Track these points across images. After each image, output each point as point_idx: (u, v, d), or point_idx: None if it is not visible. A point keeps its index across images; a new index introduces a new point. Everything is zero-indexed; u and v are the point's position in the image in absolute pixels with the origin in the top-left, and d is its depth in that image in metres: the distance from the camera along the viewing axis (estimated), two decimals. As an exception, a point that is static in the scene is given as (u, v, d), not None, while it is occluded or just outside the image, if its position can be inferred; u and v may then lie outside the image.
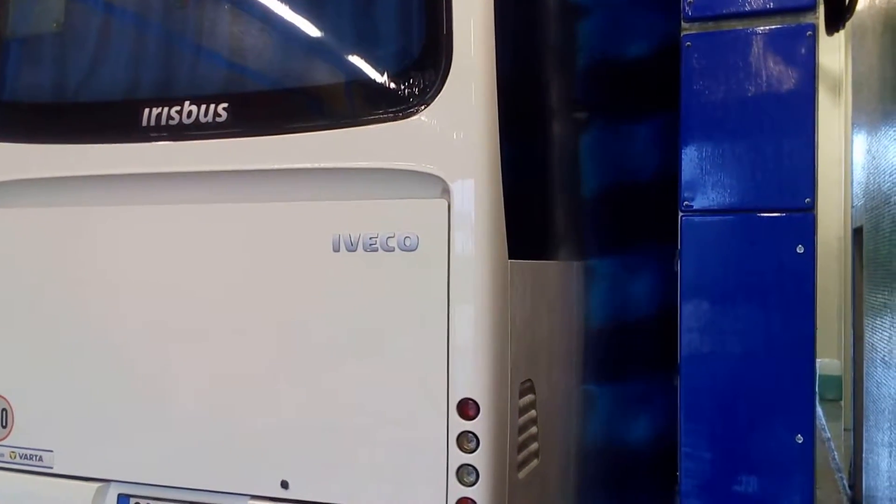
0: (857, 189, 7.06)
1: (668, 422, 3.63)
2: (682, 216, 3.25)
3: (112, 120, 3.40)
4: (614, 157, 4.54)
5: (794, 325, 3.13)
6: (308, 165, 3.09)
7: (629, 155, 4.58)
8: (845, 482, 7.43)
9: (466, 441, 2.92)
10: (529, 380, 3.30)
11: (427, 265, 2.96)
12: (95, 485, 3.40)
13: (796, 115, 3.16)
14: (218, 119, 3.21)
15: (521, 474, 3.19)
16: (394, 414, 3.00)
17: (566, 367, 3.89)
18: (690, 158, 3.22)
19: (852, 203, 7.40)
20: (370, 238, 3.01)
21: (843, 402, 9.50)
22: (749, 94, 3.20)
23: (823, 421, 9.75)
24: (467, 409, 2.92)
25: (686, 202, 3.22)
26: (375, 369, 3.03)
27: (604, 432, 4.42)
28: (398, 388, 3.00)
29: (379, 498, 3.02)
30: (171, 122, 3.26)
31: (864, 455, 6.50)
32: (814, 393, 3.17)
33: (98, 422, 3.40)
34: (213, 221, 3.25)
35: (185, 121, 3.24)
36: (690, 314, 3.24)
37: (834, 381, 10.12)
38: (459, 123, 2.96)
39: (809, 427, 3.12)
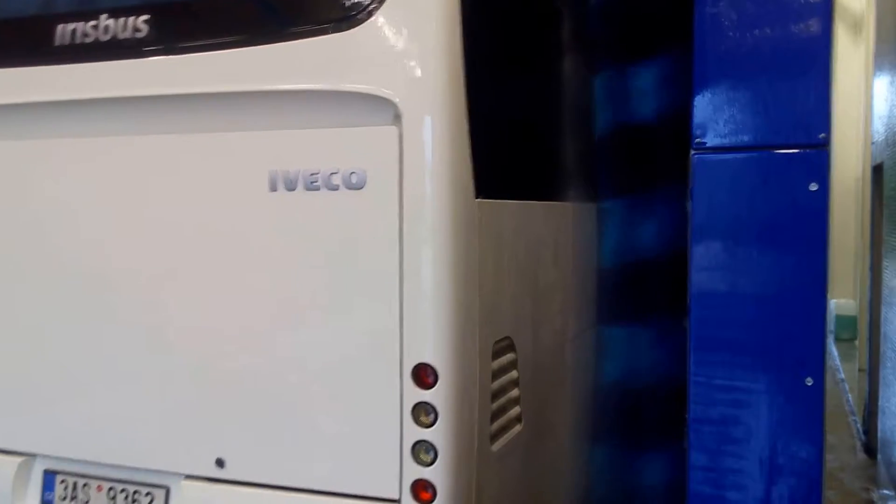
0: (878, 124, 6.32)
1: (677, 364, 3.27)
2: (693, 154, 2.90)
3: (21, 40, 2.74)
4: (622, 96, 3.95)
5: (806, 265, 2.80)
6: (236, 88, 2.43)
7: (637, 94, 3.98)
8: (859, 426, 6.81)
9: (423, 413, 2.31)
10: (508, 337, 2.68)
11: (376, 206, 2.32)
12: (18, 459, 2.82)
13: (812, 48, 2.80)
14: (137, 34, 2.56)
15: (496, 446, 2.59)
16: (339, 382, 2.39)
17: (561, 317, 3.27)
18: (703, 95, 2.88)
19: (872, 139, 6.66)
20: (311, 175, 2.38)
21: (857, 343, 8.89)
22: (763, 29, 2.86)
23: (838, 361, 9.09)
24: (424, 375, 2.30)
25: (698, 140, 2.88)
26: (319, 330, 2.41)
27: (608, 378, 3.97)
28: (344, 351, 2.38)
29: (323, 479, 2.42)
30: (86, 41, 2.61)
31: (879, 400, 5.89)
32: (825, 335, 2.83)
33: (21, 389, 2.80)
34: (132, 157, 2.60)
35: (102, 38, 2.59)
36: (701, 253, 2.90)
37: (849, 321, 9.54)
38: (411, 33, 2.30)
39: (820, 370, 2.81)
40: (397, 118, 2.29)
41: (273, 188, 2.41)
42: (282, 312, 2.45)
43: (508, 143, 2.75)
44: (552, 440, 3.26)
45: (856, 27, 9.65)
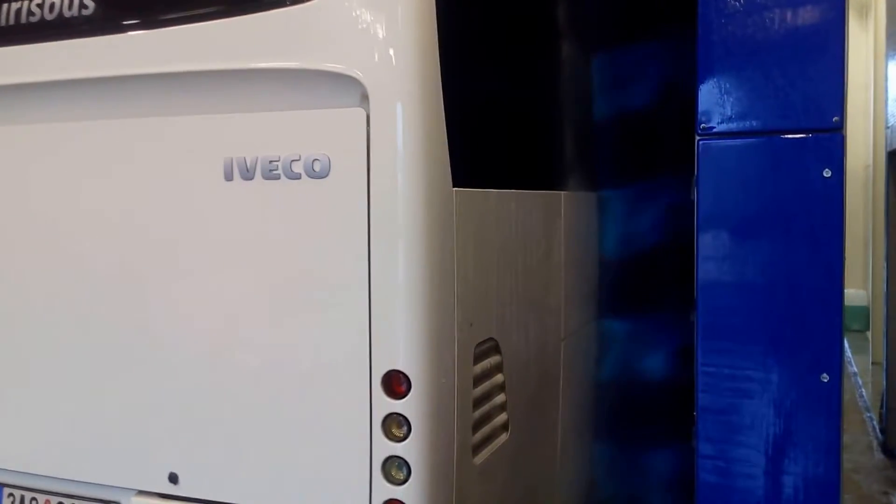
0: (894, 107, 6.03)
1: (683, 359, 3.15)
2: (698, 140, 2.72)
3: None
4: (623, 78, 3.77)
5: (820, 256, 2.61)
6: (186, 68, 2.19)
7: (640, 75, 3.80)
8: (875, 423, 6.53)
9: (395, 426, 2.07)
10: (492, 339, 2.44)
11: (341, 196, 2.08)
12: None
13: (824, 26, 2.61)
14: (84, 12, 2.33)
15: (479, 458, 2.35)
16: (302, 391, 2.15)
17: (554, 314, 3.03)
18: (708, 78, 2.70)
19: (887, 123, 6.37)
20: (270, 162, 2.14)
21: (870, 334, 8.60)
22: (772, 6, 2.65)
23: (849, 353, 8.80)
24: (396, 383, 2.07)
25: (703, 125, 2.71)
26: (280, 335, 2.17)
27: (611, 374, 3.78)
28: (307, 358, 2.14)
29: (284, 498, 2.17)
30: (31, 20, 2.39)
31: (899, 397, 5.63)
32: (842, 329, 2.65)
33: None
34: (77, 144, 2.36)
35: (48, 16, 2.36)
36: (708, 244, 2.73)
37: (859, 312, 9.22)
38: (381, 3, 2.05)
39: (837, 366, 2.63)
40: (364, 99, 2.05)
41: (228, 177, 2.17)
42: (240, 316, 2.21)
43: (491, 126, 2.51)
44: (545, 446, 3.03)
45: (862, 11, 9.35)
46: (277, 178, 2.13)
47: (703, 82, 2.69)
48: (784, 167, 2.60)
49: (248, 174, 2.15)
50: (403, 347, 2.06)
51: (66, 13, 2.34)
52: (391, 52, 2.05)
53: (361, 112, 2.05)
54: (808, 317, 2.63)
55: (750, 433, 2.69)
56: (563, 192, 3.08)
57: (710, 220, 2.72)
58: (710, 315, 2.72)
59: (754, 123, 2.65)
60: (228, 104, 2.19)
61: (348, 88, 2.07)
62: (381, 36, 2.05)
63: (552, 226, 2.98)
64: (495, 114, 2.55)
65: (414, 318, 2.06)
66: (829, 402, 2.62)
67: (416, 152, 2.05)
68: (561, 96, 3.21)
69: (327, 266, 2.11)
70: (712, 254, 2.72)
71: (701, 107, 2.70)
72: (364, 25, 2.06)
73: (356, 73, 2.05)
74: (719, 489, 2.75)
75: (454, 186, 2.15)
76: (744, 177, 2.67)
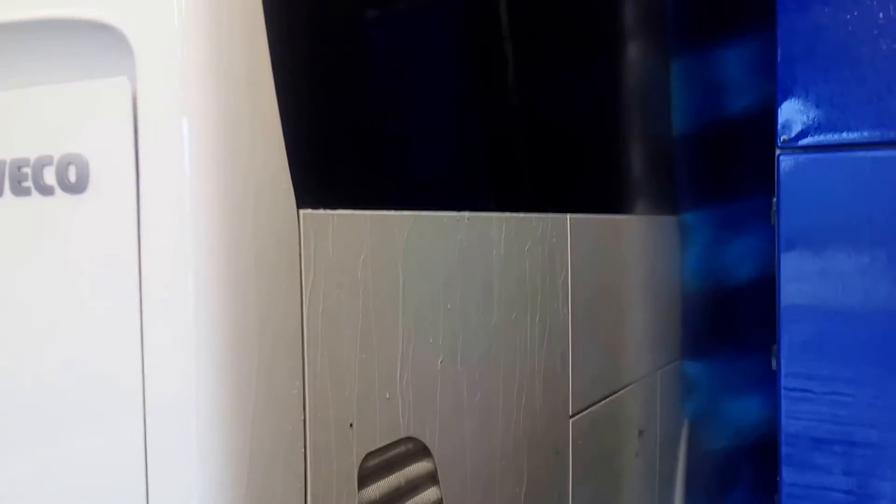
0: None
1: (767, 412, 2.76)
2: (779, 154, 2.40)
3: None
4: (702, 83, 3.25)
5: None
6: None
7: (723, 80, 3.27)
8: None
9: None
10: (410, 438, 1.56)
11: (103, 222, 1.25)
12: None
13: None
14: None
15: None
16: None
17: (556, 384, 2.12)
18: (789, 80, 2.31)
19: None
20: (20, 168, 1.32)
21: None
22: None
23: None
24: (186, 537, 1.22)
25: (784, 136, 2.37)
26: (14, 452, 1.35)
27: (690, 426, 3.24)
28: (51, 490, 1.32)
29: None
30: None
31: None
32: None
33: None
34: None
35: None
36: (791, 279, 2.32)
37: None
38: None
39: None
40: (131, 59, 1.22)
41: (-27, 194, 1.38)
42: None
43: (394, 115, 1.62)
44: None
45: None
46: (28, 193, 1.32)
47: (782, 86, 2.31)
48: (887, 185, 2.15)
49: (-7, 188, 1.35)
50: (198, 479, 1.20)
51: None
52: (177, -18, 1.20)
53: (123, 83, 1.21)
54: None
55: (838, 462, 2.32)
56: (568, 216, 2.16)
57: (793, 245, 2.31)
58: (795, 335, 2.34)
59: (847, 135, 2.25)
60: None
61: (113, 49, 1.23)
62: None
63: (548, 261, 2.06)
64: (405, 97, 1.66)
65: (217, 428, 1.20)
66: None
67: (220, 150, 1.20)
68: (586, 97, 2.48)
69: (85, 347, 1.27)
70: (796, 277, 2.31)
71: (781, 116, 2.31)
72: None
73: (116, 21, 1.22)
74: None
75: (302, 207, 1.29)
76: (836, 198, 2.25)
